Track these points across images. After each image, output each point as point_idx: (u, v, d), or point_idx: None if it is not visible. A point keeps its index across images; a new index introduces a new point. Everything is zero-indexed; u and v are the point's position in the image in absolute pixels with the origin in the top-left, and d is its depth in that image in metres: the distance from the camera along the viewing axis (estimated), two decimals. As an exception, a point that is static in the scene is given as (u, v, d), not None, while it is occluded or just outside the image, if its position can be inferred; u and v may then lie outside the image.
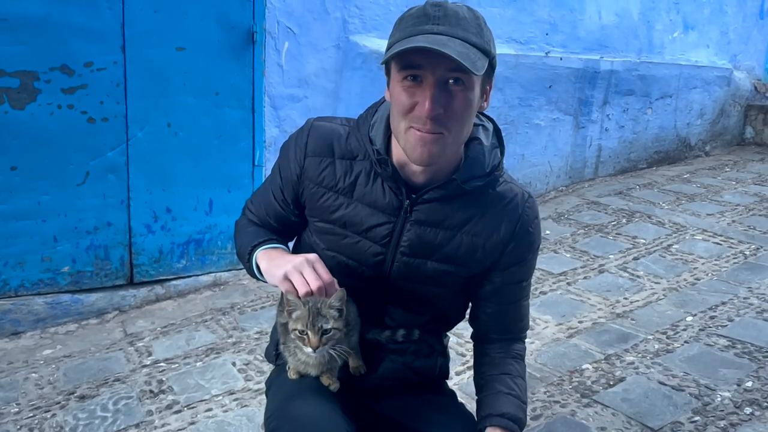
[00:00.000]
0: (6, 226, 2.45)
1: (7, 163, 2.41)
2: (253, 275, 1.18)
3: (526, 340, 2.32)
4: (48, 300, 2.57)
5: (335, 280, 1.06)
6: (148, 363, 2.28)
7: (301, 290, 1.03)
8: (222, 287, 2.92)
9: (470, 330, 1.29)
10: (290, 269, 1.05)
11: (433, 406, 1.21)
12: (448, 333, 1.33)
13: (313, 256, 1.07)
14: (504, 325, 1.24)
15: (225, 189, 2.89)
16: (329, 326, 1.06)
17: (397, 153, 1.11)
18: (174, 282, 2.84)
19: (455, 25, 0.99)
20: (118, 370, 2.24)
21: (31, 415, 1.99)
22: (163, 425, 1.90)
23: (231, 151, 2.86)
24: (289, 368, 1.17)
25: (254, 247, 1.15)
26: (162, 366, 2.26)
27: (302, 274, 1.04)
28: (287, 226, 1.25)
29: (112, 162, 2.61)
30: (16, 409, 2.02)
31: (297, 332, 1.07)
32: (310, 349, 1.07)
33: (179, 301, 2.80)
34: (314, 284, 1.03)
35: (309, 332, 1.06)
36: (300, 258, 1.06)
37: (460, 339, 2.14)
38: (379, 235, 1.13)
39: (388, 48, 1.03)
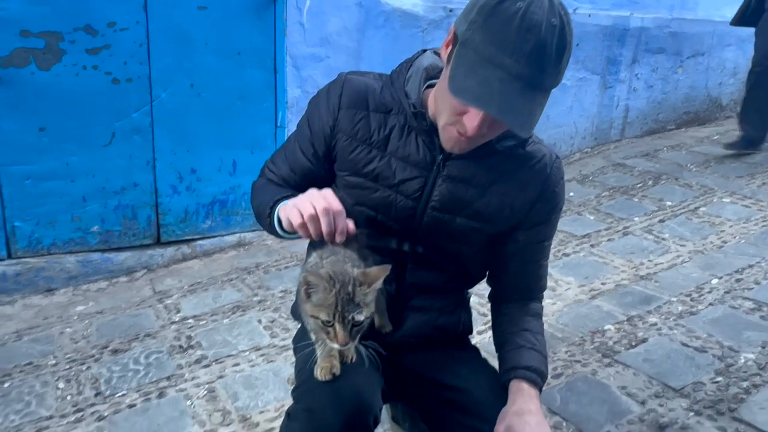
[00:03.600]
0: (36, 186, 2.51)
1: (35, 124, 2.45)
2: (273, 232, 1.14)
3: (548, 301, 2.33)
4: (79, 258, 2.65)
5: (343, 211, 0.99)
6: (177, 319, 2.35)
7: (305, 214, 0.98)
8: (246, 247, 2.97)
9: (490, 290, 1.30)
10: (300, 197, 1.02)
11: (457, 360, 1.23)
12: (469, 291, 1.34)
13: (326, 189, 1.02)
14: (524, 285, 1.26)
15: (248, 150, 2.90)
16: (362, 318, 0.88)
17: (432, 107, 1.11)
18: (200, 242, 2.89)
19: (538, 64, 0.94)
20: (148, 326, 2.31)
21: (68, 367, 2.07)
22: (192, 378, 1.97)
23: (253, 112, 2.86)
24: (318, 366, 0.97)
25: (277, 202, 1.11)
26: (190, 322, 2.32)
27: (311, 201, 0.99)
28: (313, 182, 1.20)
29: (137, 123, 2.63)
30: (53, 362, 2.11)
31: (320, 322, 0.88)
32: (335, 345, 0.89)
33: (205, 260, 2.85)
34: (320, 205, 0.97)
35: (337, 325, 0.87)
36: (313, 190, 1.02)
37: (481, 299, 2.16)
38: (410, 190, 1.14)
39: (464, 40, 0.97)
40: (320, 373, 0.96)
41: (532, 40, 0.92)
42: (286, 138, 2.96)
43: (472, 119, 1.00)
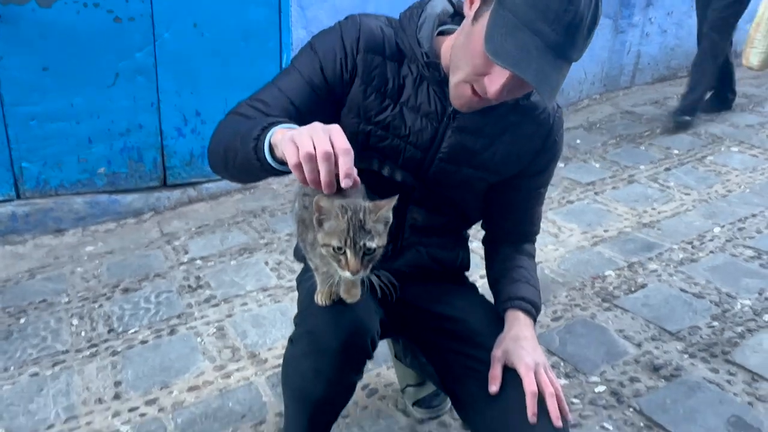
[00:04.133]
0: (42, 127, 2.51)
1: (38, 63, 2.42)
2: (251, 166, 0.94)
3: (550, 247, 2.36)
4: (87, 200, 2.67)
5: (351, 150, 0.84)
6: (185, 260, 2.39)
7: (302, 152, 0.82)
8: (252, 191, 2.99)
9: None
10: (300, 131, 0.85)
11: (454, 293, 1.28)
12: (468, 232, 1.37)
13: (334, 125, 0.87)
14: (519, 229, 1.31)
15: (252, 91, 2.86)
16: (374, 245, 0.86)
17: (446, 58, 1.10)
18: (206, 185, 2.90)
19: (572, 36, 0.94)
20: (158, 267, 2.36)
21: (81, 305, 2.13)
22: (202, 317, 2.03)
23: (258, 53, 2.81)
24: (318, 292, 0.98)
25: (271, 125, 0.93)
26: (198, 263, 2.37)
27: (311, 138, 0.83)
28: (312, 114, 1.07)
29: (140, 63, 2.59)
30: (66, 299, 2.17)
31: (331, 249, 0.86)
32: (347, 273, 0.86)
33: (211, 203, 2.88)
34: (321, 148, 0.82)
35: (348, 252, 0.85)
36: (317, 124, 0.86)
37: (480, 244, 2.19)
38: (420, 140, 1.14)
39: (503, 0, 0.95)
40: (320, 298, 0.98)
41: (572, 11, 0.92)
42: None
43: (495, 82, 0.99)
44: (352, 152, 0.84)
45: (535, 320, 1.21)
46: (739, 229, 2.50)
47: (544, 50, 0.94)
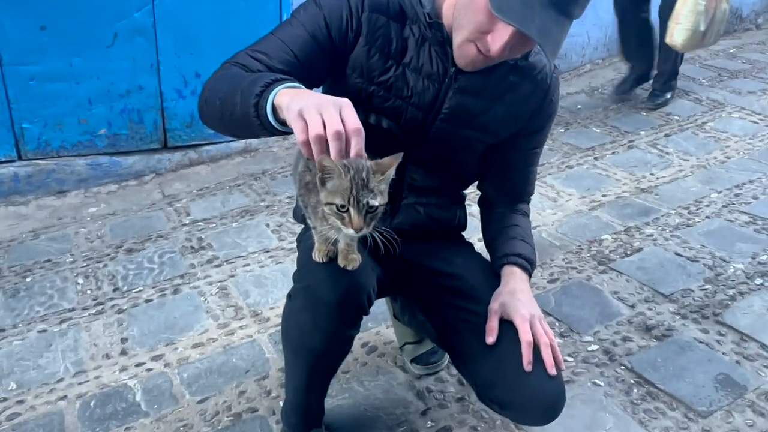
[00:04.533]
0: (42, 87, 2.50)
1: (35, 22, 2.40)
2: (249, 124, 0.92)
3: (548, 211, 2.38)
4: (88, 161, 2.68)
5: (362, 131, 0.83)
6: (187, 222, 2.42)
7: (311, 132, 0.81)
8: (252, 154, 3.00)
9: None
10: (309, 105, 0.82)
11: (451, 250, 1.32)
12: (464, 192, 1.40)
13: (345, 100, 0.85)
14: (514, 189, 1.34)
15: (252, 54, 2.84)
16: (376, 203, 0.87)
17: (448, 18, 1.10)
18: (206, 147, 2.91)
19: None
20: (160, 228, 2.39)
21: (85, 264, 2.16)
22: (205, 277, 2.07)
23: (257, 14, 2.78)
24: (316, 250, 1.01)
25: (275, 82, 0.90)
26: (200, 225, 2.40)
27: (321, 115, 0.82)
28: (313, 68, 1.09)
29: (139, 23, 2.57)
30: (71, 259, 2.20)
31: (335, 208, 0.87)
32: (350, 231, 0.87)
33: (212, 166, 2.89)
34: (332, 127, 0.80)
35: (351, 210, 0.86)
36: (327, 98, 0.84)
37: (477, 206, 2.22)
38: (422, 102, 1.15)
39: None
40: (318, 255, 1.01)
41: None
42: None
43: (498, 39, 1.00)
44: (363, 132, 0.83)
45: (530, 275, 1.24)
46: (736, 195, 2.52)
47: (547, 6, 0.95)
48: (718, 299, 1.89)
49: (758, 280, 1.98)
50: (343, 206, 0.86)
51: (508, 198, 1.34)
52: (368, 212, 0.87)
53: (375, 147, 1.07)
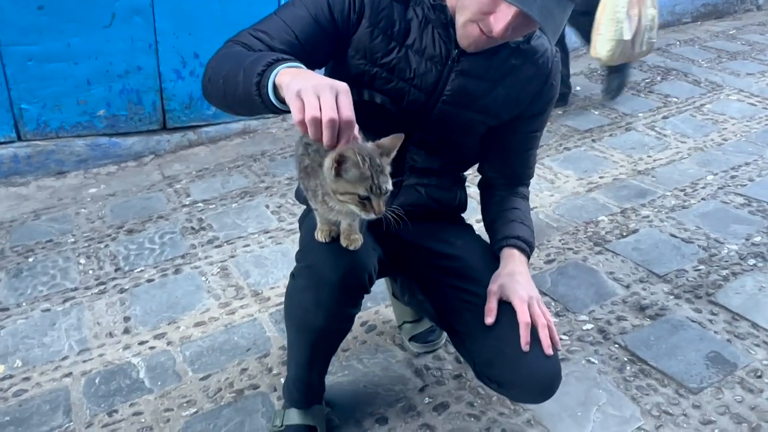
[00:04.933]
0: (40, 68, 2.49)
1: (33, 2, 2.39)
2: (248, 101, 0.94)
3: (546, 193, 2.40)
4: (87, 142, 2.69)
5: (354, 121, 0.86)
6: (187, 203, 2.44)
7: (308, 114, 0.82)
8: (251, 135, 3.00)
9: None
10: (307, 87, 0.83)
11: (451, 232, 1.34)
12: (464, 174, 1.41)
13: (342, 85, 0.86)
14: (514, 171, 1.35)
15: (251, 35, 2.84)
16: (390, 186, 0.90)
17: (452, 2, 1.11)
18: (205, 128, 2.91)
19: None
20: (160, 209, 2.40)
21: (87, 245, 2.19)
22: (206, 257, 2.09)
23: (256, -6, 2.76)
24: (318, 230, 1.04)
25: (276, 62, 0.91)
26: (200, 206, 2.41)
27: (318, 97, 0.83)
28: (314, 50, 1.10)
29: (137, 3, 2.56)
30: (72, 239, 2.22)
31: (357, 198, 0.88)
32: (372, 216, 0.90)
33: (211, 147, 2.90)
34: (327, 114, 0.82)
35: (373, 198, 0.88)
36: (326, 80, 0.85)
37: (477, 188, 2.24)
38: (425, 83, 1.16)
39: None
40: (320, 235, 1.04)
41: None
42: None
43: (501, 20, 1.01)
44: (354, 123, 0.86)
45: (529, 258, 1.27)
46: (732, 177, 2.54)
47: None
48: (712, 279, 1.92)
49: (751, 261, 2.01)
50: (365, 197, 0.89)
51: (507, 181, 1.35)
52: (384, 195, 0.90)
53: (377, 128, 1.09)
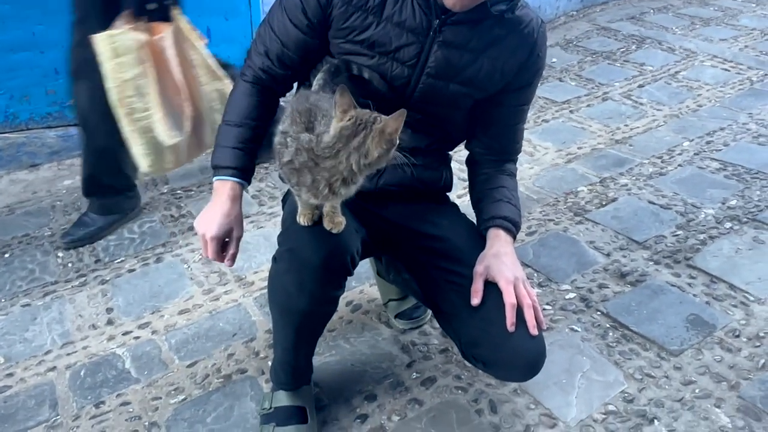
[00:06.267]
0: (5, 58, 2.42)
1: (-8, -11, 2.31)
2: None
3: (525, 165, 2.41)
4: (59, 133, 2.63)
5: (217, 238, 1.15)
6: (165, 191, 2.40)
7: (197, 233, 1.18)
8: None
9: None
10: (197, 221, 1.18)
11: (437, 212, 1.33)
12: (450, 153, 1.40)
13: (210, 233, 1.15)
14: (501, 147, 1.34)
15: (222, 17, 2.78)
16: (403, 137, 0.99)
17: None
18: (180, 115, 2.86)
19: None
20: (138, 198, 2.36)
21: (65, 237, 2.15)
22: (187, 244, 2.07)
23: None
24: (300, 214, 1.05)
25: (216, 168, 1.19)
26: (179, 193, 2.38)
27: (197, 224, 1.18)
28: (307, 56, 1.21)
29: (101, -12, 2.48)
30: (50, 233, 2.18)
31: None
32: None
33: (187, 133, 2.84)
34: (199, 232, 1.17)
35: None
36: (201, 230, 1.16)
37: (462, 165, 2.24)
38: (406, 56, 1.15)
39: None
40: (302, 219, 1.04)
41: None
42: (260, 2, 2.84)
43: None
44: (217, 239, 1.16)
45: (515, 237, 1.26)
46: (707, 143, 2.58)
47: None
48: (690, 244, 1.96)
49: (727, 224, 2.04)
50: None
51: (495, 156, 1.33)
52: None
53: (364, 107, 1.09)
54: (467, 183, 1.40)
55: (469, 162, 1.39)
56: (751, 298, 1.72)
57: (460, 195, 2.16)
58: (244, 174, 1.20)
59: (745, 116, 2.79)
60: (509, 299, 1.13)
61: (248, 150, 1.19)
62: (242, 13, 2.81)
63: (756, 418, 1.36)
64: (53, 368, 1.60)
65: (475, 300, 1.17)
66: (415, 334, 1.64)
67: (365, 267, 1.79)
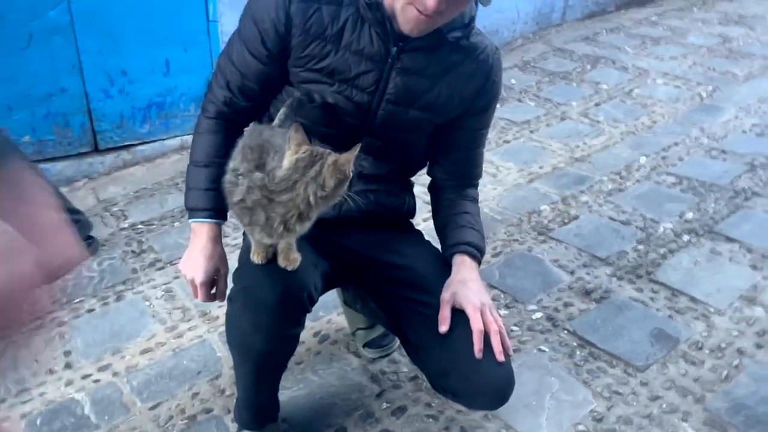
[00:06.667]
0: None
1: (-61, 27, 2.26)
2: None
3: (489, 186, 2.44)
4: None
5: (206, 283, 1.21)
6: (126, 226, 2.35)
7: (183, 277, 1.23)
8: (188, 151, 2.91)
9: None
10: (186, 256, 1.23)
11: (400, 241, 1.33)
12: (412, 179, 1.41)
13: (199, 279, 1.19)
14: (463, 171, 1.35)
15: (181, 48, 2.76)
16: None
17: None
18: (140, 147, 2.82)
19: None
20: (97, 234, 2.30)
21: (19, 278, 2.07)
22: (149, 281, 2.02)
23: (182, 6, 2.69)
24: (253, 252, 1.04)
25: (192, 211, 1.23)
26: (140, 228, 2.33)
27: (182, 267, 1.23)
28: (268, 86, 1.21)
29: (55, 22, 2.45)
30: (4, 275, 2.10)
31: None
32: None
33: (147, 166, 2.80)
34: (187, 277, 1.22)
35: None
36: (189, 275, 1.21)
37: (425, 188, 2.25)
38: (366, 83, 1.16)
39: None
40: (256, 257, 1.03)
41: None
42: (219, 33, 2.83)
43: None
44: (206, 283, 1.21)
45: (479, 263, 1.27)
46: (663, 158, 2.65)
47: None
48: (651, 258, 2.00)
49: (685, 237, 2.09)
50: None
51: (456, 181, 1.34)
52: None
53: (327, 136, 1.11)
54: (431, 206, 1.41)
55: (432, 188, 1.40)
56: (712, 310, 1.75)
57: (425, 218, 2.17)
58: (220, 213, 1.20)
59: (697, 131, 2.88)
60: (477, 326, 1.13)
61: (220, 189, 1.16)
62: (201, 44, 2.80)
63: (722, 430, 1.38)
64: (6, 418, 1.53)
65: (443, 327, 1.16)
66: (385, 363, 1.63)
67: (332, 296, 1.77)
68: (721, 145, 2.72)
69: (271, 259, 1.02)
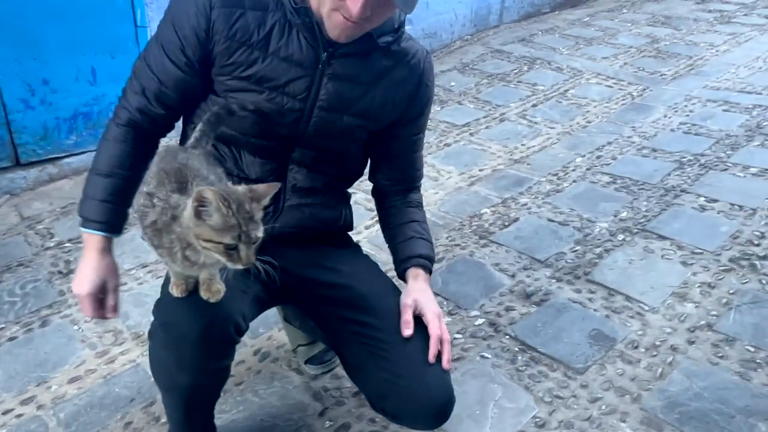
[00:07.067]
0: None
1: None
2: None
3: (431, 191, 2.44)
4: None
5: (90, 296, 1.11)
6: (52, 245, 2.22)
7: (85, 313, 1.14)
8: (121, 161, 2.79)
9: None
10: (77, 271, 1.14)
11: (338, 258, 1.29)
12: (349, 191, 1.38)
13: (82, 291, 1.10)
14: (404, 176, 1.34)
15: (107, 55, 2.63)
16: (261, 234, 0.84)
17: (315, 3, 1.08)
18: (67, 160, 2.67)
19: None
20: (20, 255, 2.17)
21: (-68, 307, 1.92)
22: (77, 303, 1.91)
23: (107, 11, 2.57)
24: (172, 285, 0.97)
25: (84, 220, 1.14)
26: (68, 246, 2.21)
27: (74, 282, 1.13)
28: (187, 96, 1.15)
29: (-36, 29, 2.28)
30: None
31: (222, 247, 0.82)
32: (239, 266, 0.84)
33: (75, 179, 2.66)
34: (74, 291, 1.13)
35: (242, 247, 0.82)
36: (75, 289, 1.12)
37: (368, 195, 2.22)
38: (297, 90, 1.12)
39: None
40: (176, 290, 0.97)
41: None
42: (149, 38, 2.72)
43: (356, 1, 1.00)
44: (90, 296, 1.11)
45: (431, 272, 1.27)
46: (598, 157, 2.72)
47: None
48: (588, 258, 2.04)
49: (620, 236, 2.15)
50: (232, 245, 0.82)
51: (399, 186, 1.33)
52: (253, 243, 0.84)
53: (257, 147, 1.08)
54: (375, 214, 1.39)
55: (375, 194, 1.38)
56: (646, 308, 1.81)
57: (367, 226, 2.15)
58: (113, 228, 1.13)
59: (629, 130, 2.98)
60: (436, 332, 1.14)
61: (118, 202, 1.12)
62: (130, 50, 2.68)
63: (658, 429, 1.42)
64: None
65: (407, 331, 1.15)
66: (327, 379, 1.59)
67: (273, 312, 1.71)
68: (651, 144, 2.82)
69: (193, 291, 0.96)
